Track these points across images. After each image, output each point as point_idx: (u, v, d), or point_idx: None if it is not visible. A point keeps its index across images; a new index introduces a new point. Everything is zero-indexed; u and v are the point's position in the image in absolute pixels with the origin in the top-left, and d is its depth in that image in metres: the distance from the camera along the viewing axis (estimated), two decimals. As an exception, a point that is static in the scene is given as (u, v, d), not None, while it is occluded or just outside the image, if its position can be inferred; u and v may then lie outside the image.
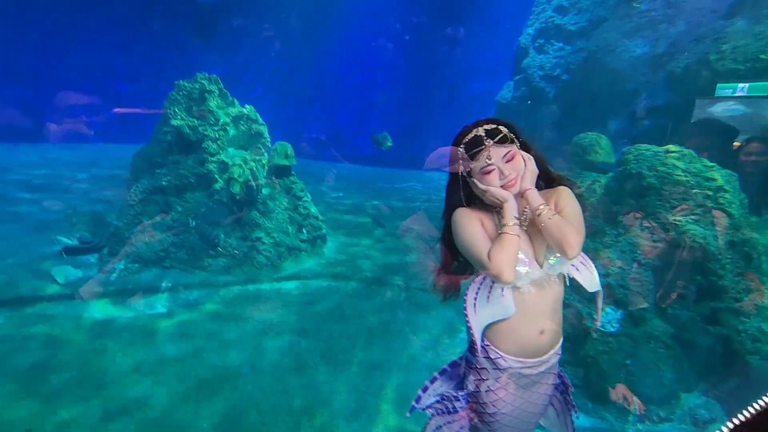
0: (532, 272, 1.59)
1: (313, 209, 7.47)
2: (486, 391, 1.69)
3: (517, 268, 1.54)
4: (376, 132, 8.54)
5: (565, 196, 1.66)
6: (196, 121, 6.79)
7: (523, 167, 1.58)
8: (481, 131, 1.56)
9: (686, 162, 3.59)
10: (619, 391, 3.52)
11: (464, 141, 1.58)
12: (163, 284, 5.74)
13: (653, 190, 3.64)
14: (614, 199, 3.96)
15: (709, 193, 3.46)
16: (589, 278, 1.76)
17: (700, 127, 5.08)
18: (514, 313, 1.60)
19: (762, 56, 4.77)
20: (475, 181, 1.59)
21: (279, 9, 17.31)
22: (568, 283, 1.71)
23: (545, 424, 1.98)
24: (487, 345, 1.67)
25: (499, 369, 1.66)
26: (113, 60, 16.63)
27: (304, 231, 7.18)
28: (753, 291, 3.55)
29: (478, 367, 1.70)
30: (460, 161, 1.59)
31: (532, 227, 1.65)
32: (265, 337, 4.65)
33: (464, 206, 1.67)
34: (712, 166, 3.57)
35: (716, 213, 3.44)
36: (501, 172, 1.54)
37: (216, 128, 6.89)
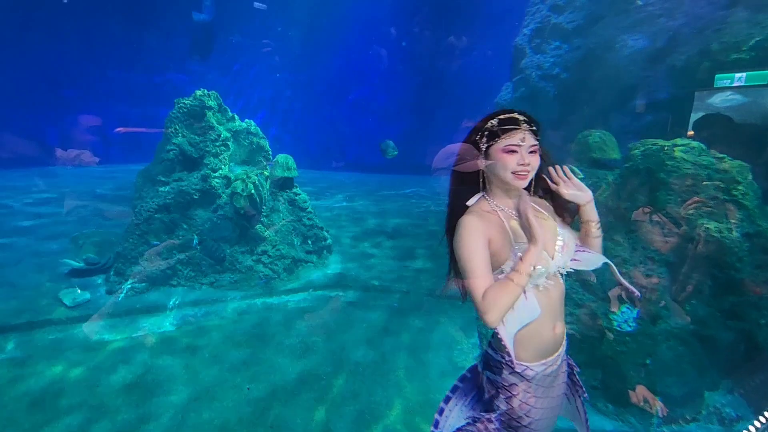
0: (549, 268, 1.58)
1: (318, 220, 7.44)
2: (519, 405, 1.65)
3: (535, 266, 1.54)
4: (380, 140, 8.57)
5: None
6: (197, 138, 6.80)
7: (538, 165, 1.60)
8: (520, 116, 1.57)
9: (695, 155, 3.53)
10: (639, 393, 3.43)
11: (500, 117, 1.57)
12: (171, 302, 5.71)
13: (663, 185, 3.58)
14: (623, 196, 3.90)
15: (722, 185, 3.39)
16: (588, 262, 1.76)
17: (709, 119, 5.03)
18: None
19: (765, 44, 4.72)
20: (499, 164, 1.56)
21: (276, 23, 17.45)
22: (565, 275, 1.71)
23: (563, 413, 1.97)
24: (510, 360, 1.64)
25: (527, 380, 1.64)
26: (112, 82, 16.79)
27: (310, 242, 7.15)
28: (773, 283, 3.47)
29: (506, 384, 1.66)
30: (487, 133, 1.57)
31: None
32: (275, 351, 4.59)
33: (474, 199, 1.67)
34: (723, 158, 3.51)
35: (730, 205, 3.37)
36: (522, 158, 1.54)
37: (217, 144, 6.91)
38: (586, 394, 1.93)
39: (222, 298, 5.85)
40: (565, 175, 1.71)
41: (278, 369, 4.27)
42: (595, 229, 1.75)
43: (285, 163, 7.32)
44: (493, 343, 1.74)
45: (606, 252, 1.91)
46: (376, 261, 7.18)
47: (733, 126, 5.05)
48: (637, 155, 3.77)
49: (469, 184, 1.68)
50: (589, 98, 7.49)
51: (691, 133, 5.41)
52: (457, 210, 1.66)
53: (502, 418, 1.69)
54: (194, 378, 4.13)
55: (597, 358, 3.60)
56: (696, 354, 3.43)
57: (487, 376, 1.74)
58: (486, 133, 1.58)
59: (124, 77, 16.90)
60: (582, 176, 3.91)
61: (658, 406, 3.28)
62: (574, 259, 1.74)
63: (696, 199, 3.50)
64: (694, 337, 3.41)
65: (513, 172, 1.55)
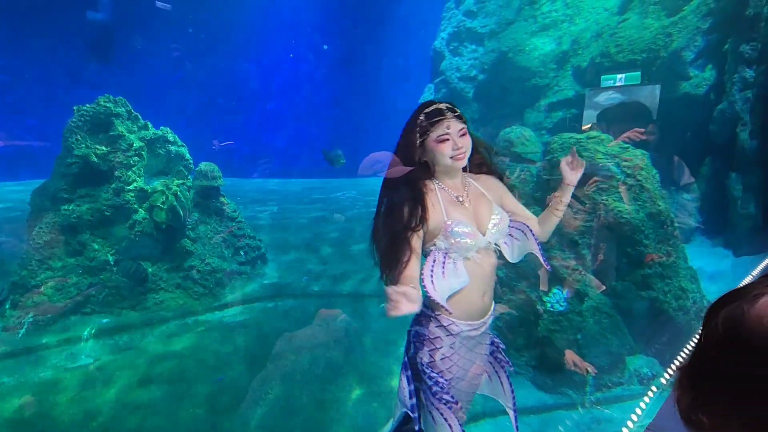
0: (478, 242, 1.74)
1: (249, 229, 7.11)
2: (442, 359, 1.78)
3: (464, 240, 1.70)
4: (319, 146, 8.38)
5: (503, 186, 1.98)
6: (105, 149, 6.15)
7: (471, 145, 1.76)
8: (442, 106, 1.73)
9: (605, 146, 3.93)
10: (569, 359, 3.73)
11: (425, 111, 1.72)
12: (86, 332, 5.10)
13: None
14: (546, 187, 4.21)
15: (629, 171, 3.81)
16: (523, 245, 1.93)
17: (614, 112, 5.65)
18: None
19: (653, 46, 5.42)
20: (437, 153, 1.71)
21: (186, 24, 16.37)
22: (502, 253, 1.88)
23: (486, 392, 2.10)
24: (439, 314, 1.78)
25: (452, 335, 1.78)
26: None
27: (242, 253, 6.80)
28: (671, 255, 3.96)
29: (431, 337, 1.79)
30: (419, 130, 1.71)
31: (476, 201, 1.83)
32: (215, 371, 4.29)
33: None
34: (627, 147, 3.95)
35: (636, 189, 3.80)
36: (455, 143, 1.69)
37: (129, 154, 6.31)
38: (512, 367, 2.07)
39: (147, 321, 5.35)
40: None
41: (221, 393, 3.99)
42: (560, 207, 1.97)
43: (209, 171, 6.89)
44: (426, 302, 1.83)
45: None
46: (314, 266, 7.03)
47: (615, 120, 5.73)
48: (557, 148, 4.10)
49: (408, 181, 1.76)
50: (506, 98, 8.02)
51: (586, 127, 6.06)
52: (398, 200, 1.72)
53: (426, 371, 1.78)
54: (120, 415, 3.72)
55: (535, 338, 3.85)
56: (617, 324, 3.81)
57: (415, 331, 1.85)
58: (418, 129, 1.72)
59: (7, 85, 14.78)
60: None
61: (588, 368, 3.57)
62: (511, 236, 1.91)
63: (595, 179, 3.89)
64: (615, 309, 3.79)
65: (451, 157, 1.70)
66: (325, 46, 18.12)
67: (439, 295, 1.68)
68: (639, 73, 5.80)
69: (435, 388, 1.76)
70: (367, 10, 17.40)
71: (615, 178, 3.88)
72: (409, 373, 1.88)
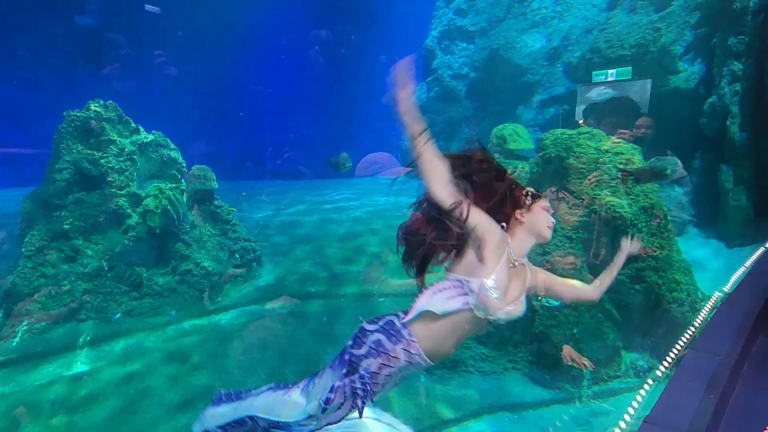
0: (494, 311, 1.81)
1: (244, 232, 7.08)
2: (387, 375, 1.83)
3: (489, 300, 1.76)
4: (321, 148, 8.31)
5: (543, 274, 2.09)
6: (96, 154, 6.11)
7: None
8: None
9: (597, 141, 3.95)
10: (566, 353, 3.74)
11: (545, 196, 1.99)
12: (81, 339, 5.05)
13: (573, 170, 3.96)
14: (540, 182, 4.23)
15: (621, 165, 3.84)
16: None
17: (605, 107, 5.68)
18: None
19: (642, 41, 5.46)
20: (541, 217, 1.90)
21: (176, 26, 16.26)
22: None
23: None
24: (414, 341, 1.81)
25: (409, 363, 1.84)
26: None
27: (237, 256, 6.77)
28: (665, 248, 3.99)
29: (392, 355, 1.82)
30: (531, 194, 1.91)
31: (516, 279, 1.89)
32: (211, 375, 4.27)
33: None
34: (619, 142, 3.97)
35: (629, 183, 3.82)
36: (551, 218, 1.93)
37: (121, 159, 6.26)
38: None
39: (142, 326, 5.31)
40: None
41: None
42: (614, 271, 2.29)
43: (202, 174, 6.86)
44: (410, 320, 1.82)
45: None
46: (310, 267, 7.01)
47: (607, 114, 5.77)
48: (549, 144, 4.12)
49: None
50: (498, 95, 8.04)
51: (581, 122, 6.10)
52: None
53: (366, 375, 1.80)
54: (118, 421, 3.69)
55: (531, 334, 3.86)
56: (613, 318, 3.83)
57: (377, 339, 1.83)
58: (530, 193, 1.90)
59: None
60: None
61: (586, 363, 3.59)
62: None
63: (595, 174, 3.91)
64: (611, 303, 3.81)
65: (548, 226, 1.90)
66: (316, 47, 18.06)
67: (423, 305, 1.75)
68: (630, 68, 5.87)
69: (363, 381, 1.79)
70: (357, 10, 17.38)
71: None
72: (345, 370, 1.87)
